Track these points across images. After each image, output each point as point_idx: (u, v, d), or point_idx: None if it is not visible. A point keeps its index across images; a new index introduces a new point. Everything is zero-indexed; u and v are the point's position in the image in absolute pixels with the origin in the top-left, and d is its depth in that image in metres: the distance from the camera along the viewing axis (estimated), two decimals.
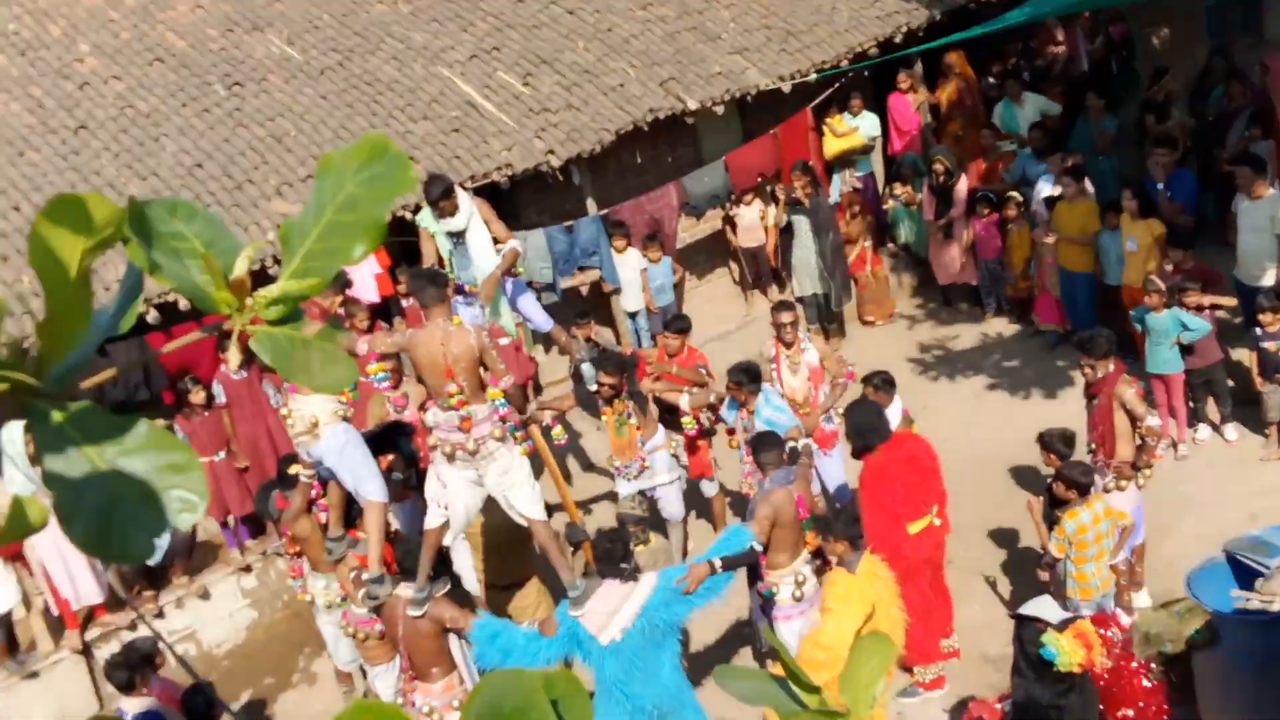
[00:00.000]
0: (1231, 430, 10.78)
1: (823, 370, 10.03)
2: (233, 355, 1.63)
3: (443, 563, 8.18)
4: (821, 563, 8.18)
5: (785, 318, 10.02)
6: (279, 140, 11.49)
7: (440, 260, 9.79)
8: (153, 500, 1.47)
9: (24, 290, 9.67)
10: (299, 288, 1.54)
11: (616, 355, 10.25)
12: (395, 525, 8.76)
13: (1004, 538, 10.29)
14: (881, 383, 9.34)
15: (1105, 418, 8.82)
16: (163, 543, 1.46)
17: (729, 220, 13.85)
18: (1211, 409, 10.97)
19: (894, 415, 9.12)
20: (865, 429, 8.52)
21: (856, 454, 8.66)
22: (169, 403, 11.07)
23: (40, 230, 1.40)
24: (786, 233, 13.40)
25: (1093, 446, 9.05)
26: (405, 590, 7.88)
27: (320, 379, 1.59)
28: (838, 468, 10.04)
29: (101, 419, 1.50)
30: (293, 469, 8.67)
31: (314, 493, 8.56)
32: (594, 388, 9.68)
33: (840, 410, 9.76)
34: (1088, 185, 12.21)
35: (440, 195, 9.41)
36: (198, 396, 10.75)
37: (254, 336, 1.55)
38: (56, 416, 1.50)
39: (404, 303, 11.78)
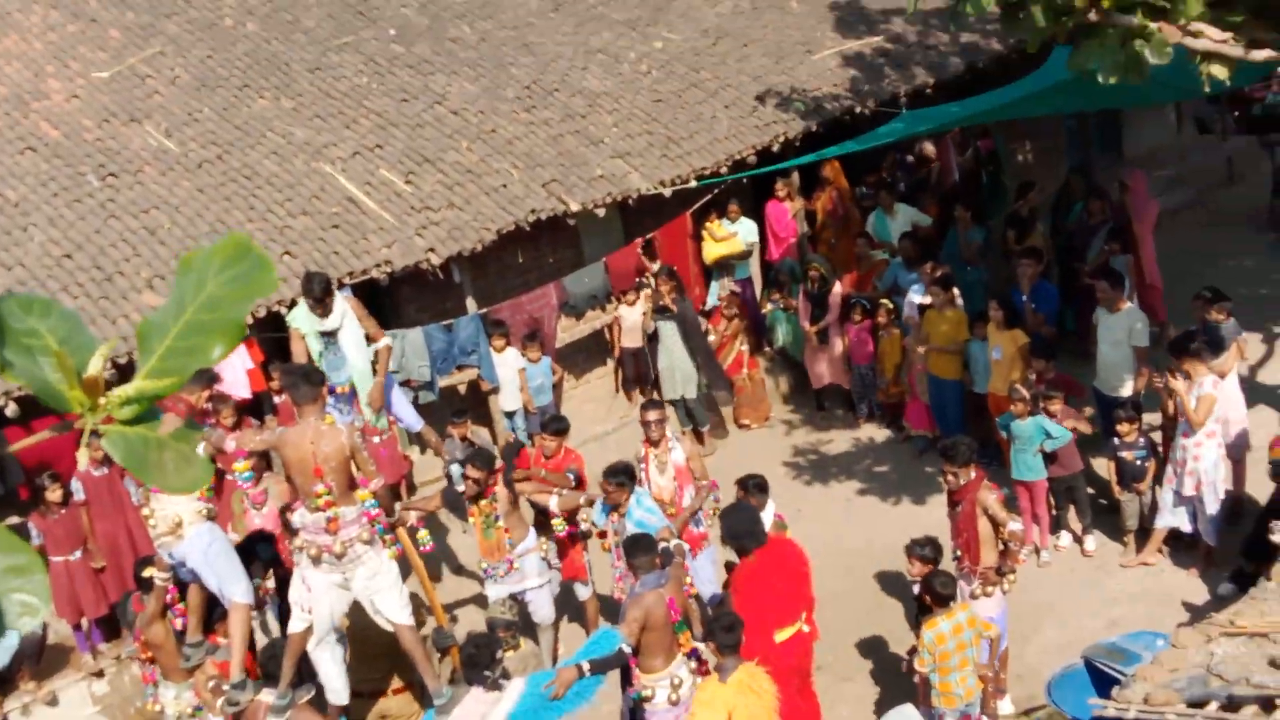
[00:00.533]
0: (1091, 540, 11.00)
1: (689, 471, 10.06)
2: (82, 456, 1.61)
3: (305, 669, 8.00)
4: (698, 665, 8.15)
5: (651, 415, 10.08)
6: (152, 232, 11.31)
7: (310, 360, 9.68)
8: None
9: None
10: (155, 387, 1.52)
11: (486, 452, 10.18)
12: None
13: (873, 643, 10.35)
14: (754, 486, 9.40)
15: (969, 524, 8.97)
16: (8, 645, 1.42)
17: (614, 320, 13.94)
18: (1072, 517, 11.23)
19: (767, 519, 9.18)
20: (741, 533, 8.53)
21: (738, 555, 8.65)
22: (24, 498, 10.68)
23: None
24: (654, 339, 13.55)
25: (958, 553, 9.19)
26: (267, 696, 7.68)
27: (174, 480, 1.57)
28: (707, 571, 10.04)
29: None
30: (147, 572, 8.40)
31: (170, 597, 8.32)
32: (461, 487, 9.59)
33: (710, 513, 9.82)
34: (956, 295, 12.56)
35: (323, 292, 9.37)
36: (55, 494, 10.35)
37: (106, 436, 1.53)
38: None
39: (276, 399, 11.61)
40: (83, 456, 2.35)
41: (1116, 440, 10.66)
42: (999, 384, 11.72)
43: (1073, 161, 17.18)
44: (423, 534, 9.44)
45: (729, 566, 9.12)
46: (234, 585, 7.89)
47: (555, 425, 10.60)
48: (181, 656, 8.30)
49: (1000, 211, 15.06)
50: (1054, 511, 11.17)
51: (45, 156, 12.02)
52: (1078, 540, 11.11)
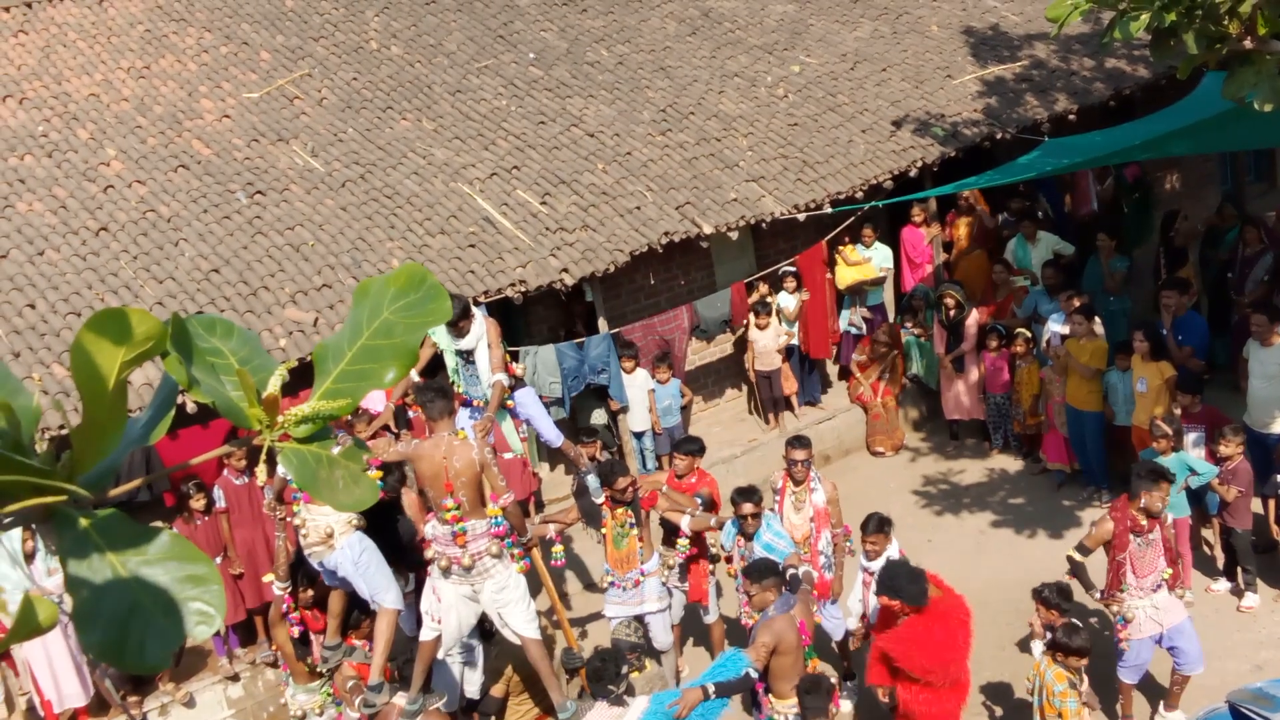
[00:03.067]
0: (1252, 597, 10.51)
1: (827, 514, 9.91)
2: (261, 472, 1.65)
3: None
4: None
5: (798, 455, 9.82)
6: (296, 249, 11.62)
7: (435, 366, 9.86)
8: (171, 610, 1.48)
9: (34, 386, 9.70)
10: (329, 408, 1.56)
11: (622, 463, 10.28)
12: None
13: (999, 683, 10.12)
14: (875, 525, 9.17)
15: (1169, 548, 8.81)
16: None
17: (749, 344, 13.89)
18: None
19: (892, 553, 9.02)
20: (918, 584, 8.06)
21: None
22: (169, 505, 11.03)
23: (82, 341, 1.42)
24: None
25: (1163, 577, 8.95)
26: (400, 700, 7.82)
27: (343, 498, 1.60)
28: (834, 619, 9.91)
29: (126, 527, 1.51)
30: (266, 578, 8.67)
31: (285, 606, 8.55)
32: (599, 499, 9.64)
33: (842, 561, 9.74)
34: (1097, 325, 12.27)
35: (460, 315, 9.51)
36: (199, 502, 10.71)
37: (281, 453, 1.57)
38: (83, 522, 1.51)
39: (411, 414, 11.80)
40: (262, 472, 2.46)
41: (1277, 478, 10.27)
42: (1142, 417, 11.41)
43: (1225, 189, 16.69)
44: (557, 549, 9.54)
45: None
46: (385, 593, 8.10)
47: (689, 445, 10.56)
48: (320, 659, 8.54)
49: (1145, 239, 14.68)
50: (1213, 554, 10.85)
51: (197, 174, 12.42)
52: (1236, 592, 10.69)
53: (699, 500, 9.99)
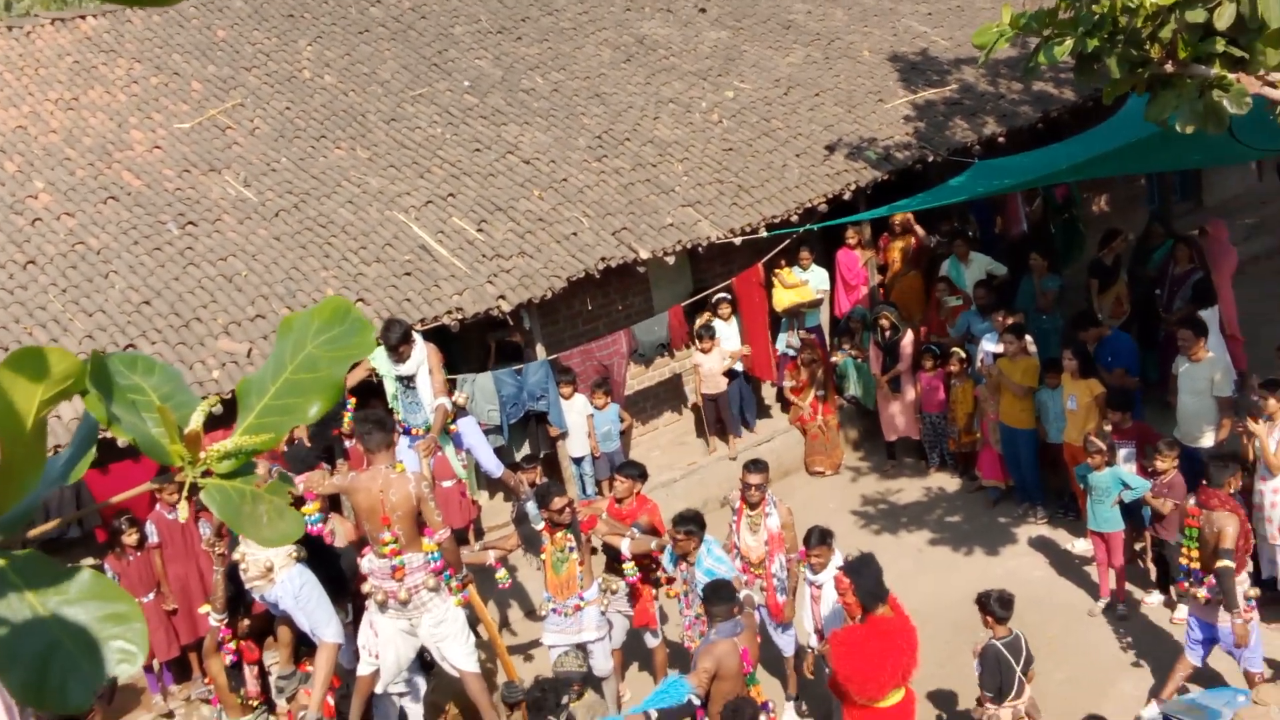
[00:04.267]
0: (1183, 609, 10.61)
1: (781, 539, 9.96)
2: (182, 509, 1.65)
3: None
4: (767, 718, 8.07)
5: (753, 479, 9.84)
6: (229, 280, 11.51)
7: (372, 393, 9.84)
8: (92, 650, 1.47)
9: None
10: (253, 443, 1.56)
11: (559, 485, 10.27)
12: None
13: (946, 696, 10.22)
14: (818, 537, 9.27)
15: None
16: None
17: (694, 367, 13.94)
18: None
19: (833, 568, 9.10)
20: (876, 592, 8.13)
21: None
22: (101, 541, 10.87)
23: (0, 381, 1.41)
24: None
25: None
26: None
27: (268, 533, 1.60)
28: (786, 641, 9.96)
29: (46, 567, 1.50)
30: (202, 609, 8.63)
31: (222, 635, 8.49)
32: (539, 525, 9.62)
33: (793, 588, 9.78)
34: (1030, 343, 12.45)
35: (399, 340, 9.49)
36: (131, 537, 10.56)
37: (204, 489, 1.56)
38: (2, 563, 1.49)
39: (346, 444, 11.72)
40: (183, 508, 2.43)
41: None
42: (1074, 434, 11.58)
43: (1152, 208, 17.01)
44: (501, 573, 9.51)
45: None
46: (325, 626, 8.07)
47: (629, 470, 10.55)
48: (275, 689, 8.50)
49: (1075, 258, 14.91)
50: (1145, 567, 10.99)
51: (127, 205, 12.29)
52: (1168, 604, 10.80)
53: (635, 530, 9.97)
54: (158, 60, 14.44)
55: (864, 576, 8.15)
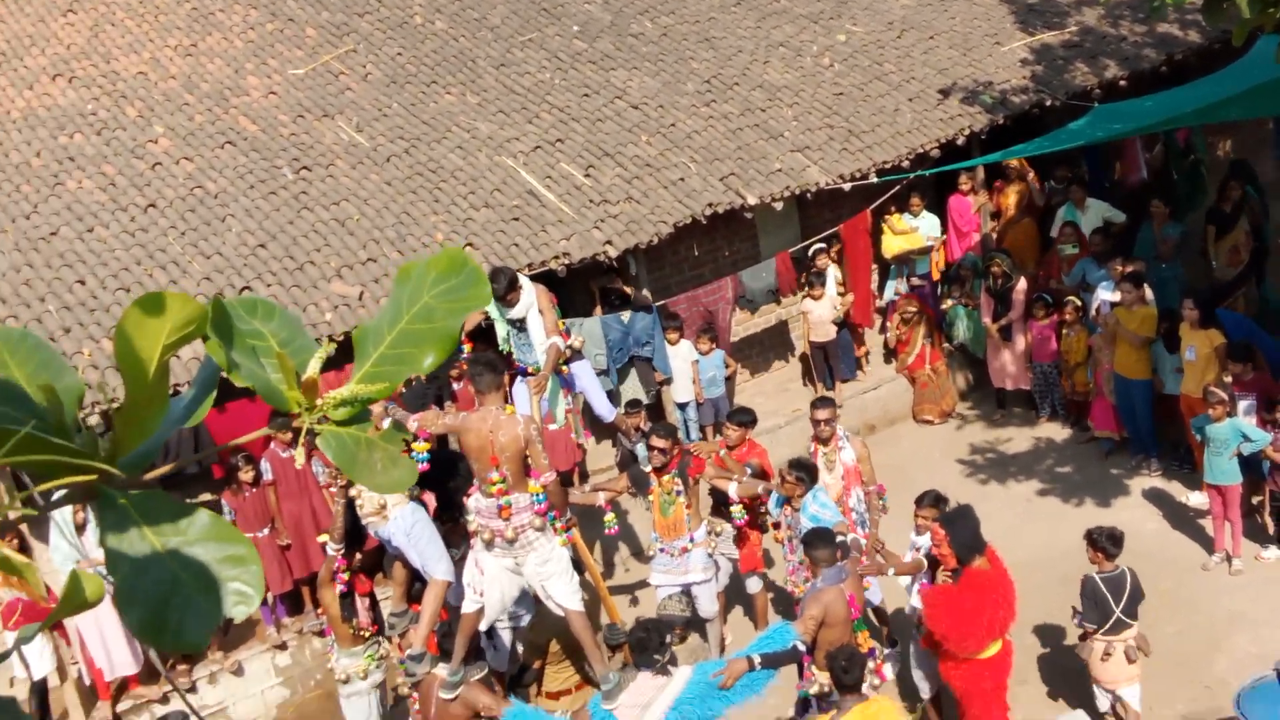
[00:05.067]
0: None
1: (858, 472, 9.93)
2: (300, 455, 1.68)
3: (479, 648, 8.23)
4: (875, 666, 8.09)
5: (821, 414, 9.98)
6: (342, 224, 11.68)
7: (485, 335, 9.93)
8: (210, 590, 1.50)
9: (84, 362, 9.83)
10: (368, 391, 1.58)
11: (669, 424, 10.34)
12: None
13: (1050, 647, 10.11)
14: (930, 502, 9.05)
15: None
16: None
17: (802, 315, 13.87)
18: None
19: (925, 542, 8.94)
20: (968, 542, 8.06)
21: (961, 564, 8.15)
22: (218, 477, 11.18)
23: (125, 325, 1.45)
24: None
25: None
26: (441, 671, 7.90)
27: (382, 480, 1.62)
28: (876, 591, 9.92)
29: (167, 506, 1.53)
30: (320, 538, 8.80)
31: (338, 565, 8.67)
32: (647, 467, 9.69)
33: (877, 520, 9.72)
34: (1147, 292, 12.13)
35: (506, 289, 9.57)
36: (247, 474, 10.83)
37: (320, 435, 1.59)
38: (124, 501, 1.53)
39: (455, 386, 11.87)
40: (300, 454, 2.50)
41: None
42: (1192, 385, 11.30)
43: (1276, 155, 16.42)
44: (609, 517, 9.62)
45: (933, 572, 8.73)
46: (436, 564, 8.23)
47: (741, 416, 10.61)
48: (388, 624, 8.69)
49: (1198, 205, 14.46)
50: (1263, 522, 10.74)
51: (244, 150, 12.51)
52: None
53: (749, 469, 10.02)
54: (273, 6, 14.62)
55: (960, 528, 8.06)
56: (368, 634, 8.94)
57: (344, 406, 1.59)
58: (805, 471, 9.13)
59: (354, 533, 8.67)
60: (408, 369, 1.61)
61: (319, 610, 9.25)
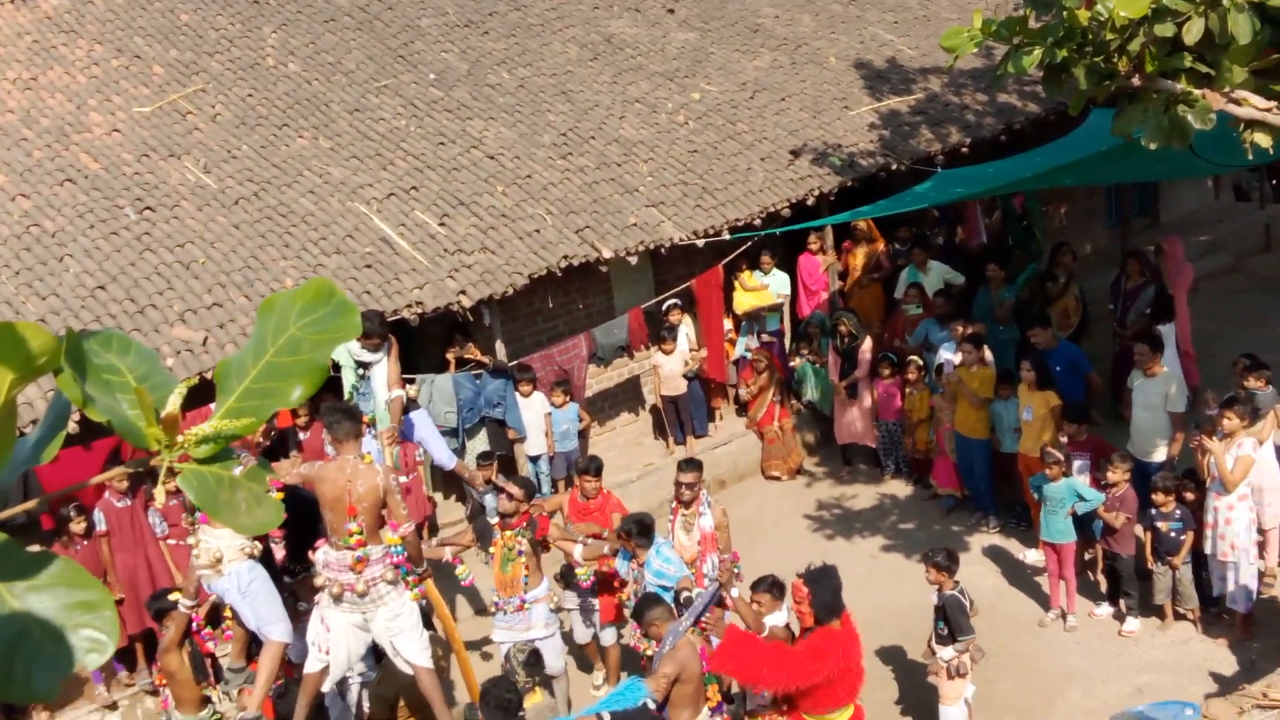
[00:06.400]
0: (1134, 621, 10.64)
1: (714, 538, 9.97)
2: (159, 493, 1.60)
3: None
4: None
5: (686, 478, 9.97)
6: (186, 267, 11.37)
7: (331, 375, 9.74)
8: (60, 639, 1.42)
9: None
10: (232, 427, 1.51)
11: (525, 478, 10.25)
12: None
13: (895, 703, 10.23)
14: (768, 588, 8.80)
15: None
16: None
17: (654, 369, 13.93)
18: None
19: (778, 620, 8.72)
20: (834, 604, 7.96)
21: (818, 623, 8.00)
22: (47, 529, 10.68)
23: None
24: None
25: None
26: None
27: (245, 520, 1.56)
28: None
29: (14, 553, 1.44)
30: (173, 596, 8.40)
31: (195, 624, 8.34)
32: (494, 520, 9.58)
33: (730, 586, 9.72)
34: (987, 353, 12.50)
35: (379, 332, 9.45)
36: (79, 525, 10.39)
37: (181, 474, 1.51)
38: None
39: (300, 435, 11.62)
40: (159, 493, 2.39)
41: (1153, 510, 10.46)
42: (1028, 445, 11.64)
43: (1108, 225, 17.17)
44: (461, 569, 9.48)
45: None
46: (272, 625, 7.92)
47: (594, 465, 10.58)
48: (223, 680, 8.35)
49: (1033, 269, 15.00)
50: (1095, 579, 11.08)
51: (84, 189, 12.11)
52: (1118, 617, 10.85)
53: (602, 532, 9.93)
54: (119, 42, 14.24)
55: (823, 588, 8.03)
56: (212, 692, 8.59)
57: (206, 444, 1.52)
58: (636, 527, 9.10)
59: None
60: (274, 403, 1.54)
61: (156, 668, 8.79)
